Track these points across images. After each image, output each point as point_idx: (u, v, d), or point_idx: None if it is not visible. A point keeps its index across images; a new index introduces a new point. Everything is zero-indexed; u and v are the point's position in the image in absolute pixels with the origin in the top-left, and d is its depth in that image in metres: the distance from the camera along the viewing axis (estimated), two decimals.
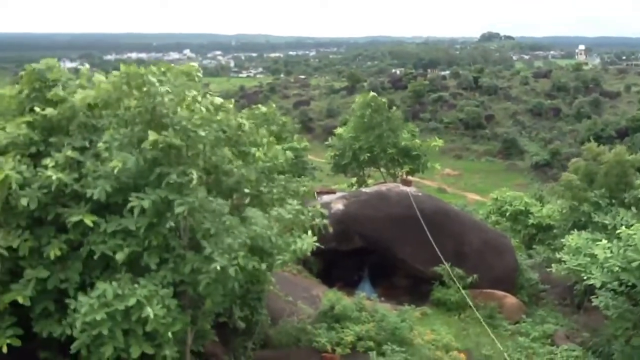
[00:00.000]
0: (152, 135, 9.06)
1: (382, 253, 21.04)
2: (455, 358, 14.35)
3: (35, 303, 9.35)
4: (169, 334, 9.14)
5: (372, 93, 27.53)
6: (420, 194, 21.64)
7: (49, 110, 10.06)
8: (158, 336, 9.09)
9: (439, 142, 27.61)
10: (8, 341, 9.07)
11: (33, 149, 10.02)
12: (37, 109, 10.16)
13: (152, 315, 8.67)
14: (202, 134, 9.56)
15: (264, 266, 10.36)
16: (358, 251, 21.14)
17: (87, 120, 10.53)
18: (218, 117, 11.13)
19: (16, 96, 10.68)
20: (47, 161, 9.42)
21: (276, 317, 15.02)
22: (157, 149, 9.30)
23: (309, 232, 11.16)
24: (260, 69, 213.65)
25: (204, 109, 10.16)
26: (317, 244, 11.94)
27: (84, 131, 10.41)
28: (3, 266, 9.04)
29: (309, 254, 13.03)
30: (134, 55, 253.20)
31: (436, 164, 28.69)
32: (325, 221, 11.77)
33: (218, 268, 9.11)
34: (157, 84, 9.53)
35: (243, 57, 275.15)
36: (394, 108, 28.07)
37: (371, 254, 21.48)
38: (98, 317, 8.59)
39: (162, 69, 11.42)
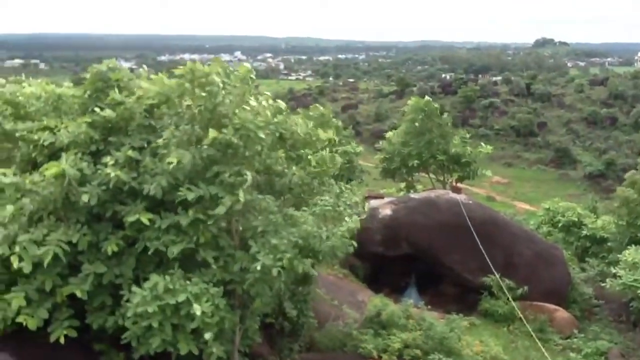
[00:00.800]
0: (212, 133, 9.18)
1: (430, 260, 20.77)
2: None
3: (91, 297, 9.60)
4: (215, 332, 9.16)
5: (426, 97, 27.20)
6: (470, 201, 21.27)
7: (108, 112, 10.33)
8: (204, 334, 9.15)
9: (487, 149, 27.04)
10: (65, 332, 9.32)
11: (93, 148, 10.30)
12: (97, 110, 10.45)
13: (199, 313, 8.75)
14: (262, 135, 9.62)
15: (309, 263, 10.37)
16: (405, 257, 20.92)
17: (144, 122, 10.78)
18: (276, 120, 11.23)
19: (80, 96, 11.00)
20: (107, 159, 9.66)
21: (322, 320, 15.00)
22: (214, 148, 9.41)
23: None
24: (309, 72, 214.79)
25: (268, 112, 10.26)
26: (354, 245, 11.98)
27: (142, 131, 10.65)
28: (62, 260, 9.26)
29: (351, 248, 12.99)
30: (186, 56, 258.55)
31: (487, 171, 28.12)
32: (361, 217, 11.56)
33: (258, 268, 9.16)
34: (220, 84, 9.65)
35: (292, 60, 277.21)
36: (446, 114, 27.64)
37: (418, 261, 21.23)
38: (149, 309, 8.77)
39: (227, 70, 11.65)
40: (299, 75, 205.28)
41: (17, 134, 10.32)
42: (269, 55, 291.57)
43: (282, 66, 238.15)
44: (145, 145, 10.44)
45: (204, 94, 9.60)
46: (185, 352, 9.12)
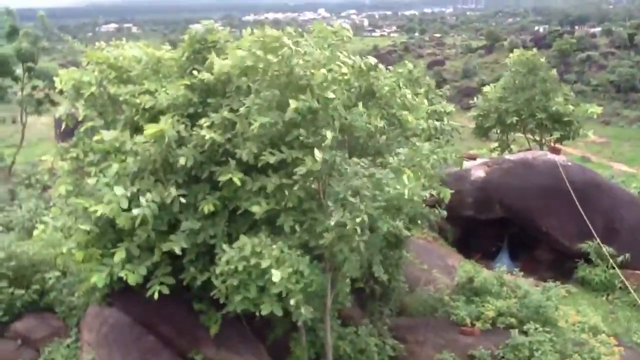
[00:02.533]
0: (293, 104, 9.05)
1: (524, 225, 19.97)
2: (603, 342, 13.32)
3: (187, 254, 9.88)
4: (299, 298, 9.13)
5: (534, 50, 25.59)
6: (570, 163, 20.13)
7: (206, 75, 10.40)
8: (290, 298, 9.13)
9: (597, 109, 25.27)
10: (159, 288, 9.63)
11: (191, 110, 10.45)
12: (195, 73, 10.55)
13: (277, 279, 8.75)
14: (332, 95, 9.41)
15: (400, 224, 10.09)
16: (498, 221, 20.25)
17: (241, 83, 10.79)
18: (364, 77, 10.94)
19: (179, 59, 11.14)
20: (202, 121, 9.78)
21: (412, 284, 14.87)
22: (296, 113, 9.30)
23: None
24: (394, 28, 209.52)
25: (344, 69, 9.99)
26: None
27: (239, 93, 10.66)
28: (162, 219, 9.54)
29: (444, 214, 12.57)
30: (270, 15, 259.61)
31: (589, 131, 26.43)
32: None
33: (332, 223, 9.03)
34: (293, 47, 9.45)
35: (377, 16, 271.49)
36: (553, 70, 25.97)
37: (511, 225, 20.49)
38: (234, 267, 8.93)
39: (309, 30, 11.42)
40: (384, 31, 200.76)
41: (120, 98, 10.62)
42: (353, 11, 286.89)
43: (366, 22, 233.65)
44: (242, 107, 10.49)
45: (277, 60, 9.42)
46: (267, 312, 9.19)
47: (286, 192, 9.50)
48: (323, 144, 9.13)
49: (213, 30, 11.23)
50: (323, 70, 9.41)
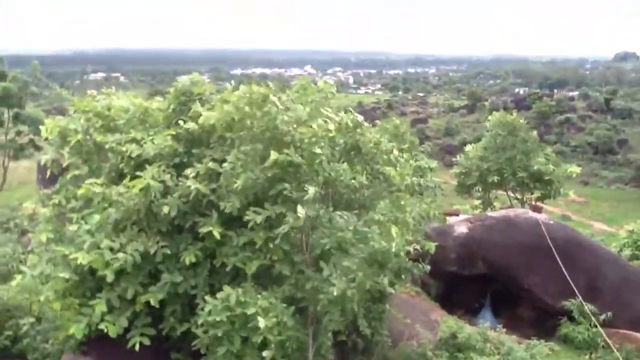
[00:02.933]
0: (273, 155, 9.20)
1: (507, 281, 19.97)
2: None
3: (167, 305, 9.78)
4: (275, 350, 9.07)
5: (514, 114, 26.33)
6: (551, 221, 20.35)
7: (191, 125, 10.60)
8: (269, 347, 9.04)
9: (576, 169, 25.77)
10: (140, 339, 9.55)
11: (177, 160, 10.56)
12: (180, 123, 10.68)
13: (262, 325, 8.73)
14: (318, 151, 9.54)
15: (385, 280, 10.09)
16: (480, 278, 20.22)
17: (225, 134, 10.92)
18: (350, 133, 11.10)
19: (165, 110, 11.29)
20: (189, 171, 9.84)
21: (395, 339, 14.65)
22: (278, 167, 9.41)
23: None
24: (378, 86, 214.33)
25: (332, 125, 10.16)
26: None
27: (223, 144, 10.79)
28: (140, 270, 9.50)
29: (428, 268, 12.59)
30: (258, 70, 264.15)
31: (569, 191, 26.88)
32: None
33: (335, 293, 9.04)
34: (278, 103, 9.66)
35: (362, 74, 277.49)
36: (534, 132, 26.62)
37: (494, 282, 20.47)
38: (218, 319, 8.87)
39: (297, 87, 11.64)
40: (368, 89, 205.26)
41: (106, 146, 10.67)
42: (338, 69, 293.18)
43: (351, 80, 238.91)
44: (226, 157, 10.57)
45: (263, 115, 9.62)
46: None
47: (271, 246, 9.50)
48: (305, 198, 9.19)
49: (198, 83, 11.45)
50: (314, 126, 9.56)
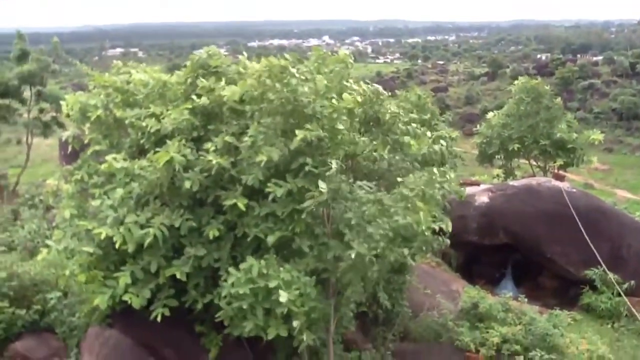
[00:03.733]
0: (299, 134, 9.10)
1: (528, 251, 19.85)
2: None
3: (191, 278, 9.86)
4: (303, 320, 9.11)
5: (539, 78, 25.74)
6: (574, 190, 20.07)
7: (203, 99, 10.57)
8: (293, 320, 9.09)
9: (599, 136, 25.23)
10: (162, 310, 9.62)
11: (195, 134, 10.54)
12: (194, 98, 10.64)
13: (284, 300, 8.73)
14: (340, 126, 9.43)
15: (406, 253, 10.08)
16: (501, 247, 20.12)
17: (236, 107, 10.88)
18: (369, 105, 10.97)
19: (183, 83, 11.24)
20: (209, 145, 9.83)
21: (416, 309, 14.73)
22: (301, 141, 9.33)
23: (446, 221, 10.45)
24: (397, 55, 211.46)
25: (349, 97, 10.04)
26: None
27: (235, 118, 10.74)
28: (166, 243, 9.56)
29: (447, 242, 12.55)
30: (275, 42, 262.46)
31: (593, 158, 26.41)
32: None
33: (352, 256, 8.98)
34: (297, 75, 9.53)
35: (380, 43, 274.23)
36: (558, 99, 26.08)
37: (515, 251, 20.37)
38: (241, 291, 8.88)
39: (314, 58, 11.47)
40: (387, 58, 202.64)
41: (126, 121, 10.70)
42: (356, 39, 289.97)
43: (369, 49, 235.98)
44: (242, 130, 10.54)
45: (282, 87, 9.49)
46: (273, 336, 9.14)
47: (295, 218, 9.47)
48: (328, 173, 9.13)
49: (215, 56, 11.34)
50: (334, 100, 9.42)
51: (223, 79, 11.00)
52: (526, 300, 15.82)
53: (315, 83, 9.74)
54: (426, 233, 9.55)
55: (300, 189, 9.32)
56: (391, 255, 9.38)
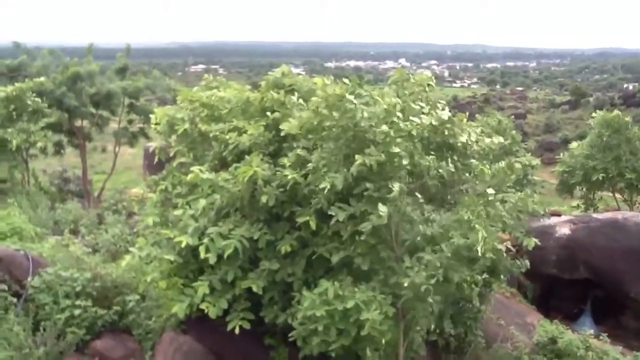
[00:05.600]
0: (358, 159, 9.09)
1: (610, 288, 18.86)
2: None
3: (265, 292, 9.99)
4: (382, 341, 9.06)
5: (615, 111, 24.84)
6: None
7: (276, 114, 10.87)
8: (371, 342, 9.03)
9: None
10: (240, 323, 9.80)
11: (271, 149, 10.78)
12: (268, 114, 10.94)
13: (369, 318, 8.68)
14: (396, 150, 9.32)
15: (477, 277, 9.78)
16: (581, 282, 19.25)
17: (307, 141, 11.01)
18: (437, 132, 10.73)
19: (261, 100, 11.56)
20: (285, 161, 10.01)
21: (489, 340, 14.23)
22: (362, 166, 9.29)
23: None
24: (475, 79, 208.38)
25: (413, 121, 9.91)
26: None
27: (308, 134, 10.85)
28: (244, 255, 9.76)
29: (523, 270, 12.10)
30: (352, 63, 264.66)
31: None
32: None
33: (405, 284, 8.86)
34: (356, 102, 9.48)
35: (458, 67, 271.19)
36: (636, 128, 24.98)
37: (596, 287, 19.42)
38: (318, 313, 8.90)
39: (395, 79, 11.42)
40: (464, 82, 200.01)
41: (210, 135, 11.08)
42: (433, 62, 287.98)
43: (446, 73, 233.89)
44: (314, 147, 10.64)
45: (341, 116, 9.49)
46: (336, 347, 9.11)
47: (357, 239, 9.46)
48: (389, 196, 9.07)
49: (289, 75, 11.61)
50: (384, 127, 9.36)
51: (296, 94, 11.22)
52: (609, 340, 15.01)
53: (374, 108, 9.66)
54: (490, 253, 9.22)
55: (362, 213, 9.28)
56: (455, 277, 9.14)
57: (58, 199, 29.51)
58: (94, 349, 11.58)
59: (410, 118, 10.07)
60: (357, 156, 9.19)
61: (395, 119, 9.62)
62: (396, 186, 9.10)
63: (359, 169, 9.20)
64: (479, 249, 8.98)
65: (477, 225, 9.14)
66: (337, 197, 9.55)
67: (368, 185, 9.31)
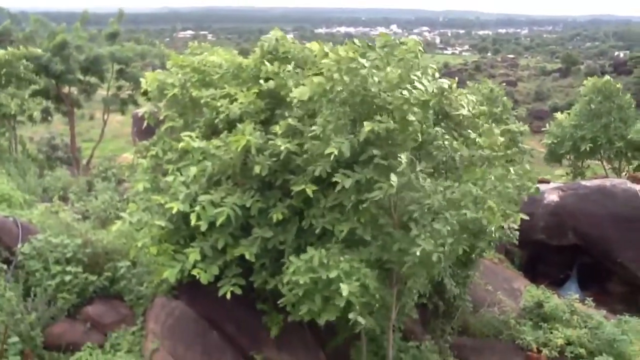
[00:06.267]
0: (367, 126, 8.93)
1: (598, 254, 19.16)
2: None
3: (257, 259, 10.00)
4: (359, 311, 9.06)
5: (606, 77, 24.81)
6: None
7: (270, 83, 10.69)
8: (350, 311, 9.03)
9: None
10: (231, 289, 9.84)
11: (262, 117, 10.69)
12: (261, 82, 10.77)
13: (345, 293, 8.71)
14: (412, 118, 9.23)
15: (475, 249, 9.89)
16: (568, 248, 19.54)
17: (313, 104, 10.90)
18: (436, 99, 10.68)
19: (253, 68, 11.38)
20: (276, 128, 9.93)
21: (476, 305, 14.50)
22: (370, 133, 9.17)
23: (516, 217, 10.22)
24: (466, 47, 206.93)
25: (421, 89, 9.79)
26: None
27: (304, 107, 10.76)
28: (236, 222, 9.75)
29: (506, 240, 12.27)
30: (342, 29, 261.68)
31: None
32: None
33: (418, 253, 8.86)
34: (367, 65, 9.32)
35: (450, 34, 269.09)
36: (628, 95, 24.98)
37: (582, 254, 19.72)
38: (301, 280, 8.95)
39: (380, 44, 11.28)
40: (456, 49, 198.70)
41: (201, 100, 10.94)
42: (425, 29, 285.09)
43: (438, 40, 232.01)
44: (307, 114, 10.56)
45: (352, 80, 9.28)
46: (324, 322, 9.25)
47: (360, 208, 9.40)
48: (399, 170, 9.01)
49: (283, 41, 11.40)
50: (404, 92, 9.20)
51: (292, 64, 11.06)
52: (594, 304, 15.30)
53: (386, 73, 9.51)
54: (495, 232, 9.35)
55: (368, 180, 9.21)
56: (459, 249, 9.26)
57: (46, 167, 29.25)
58: (86, 315, 11.61)
59: (417, 85, 9.94)
60: (366, 123, 9.01)
61: (409, 86, 9.37)
62: (404, 157, 9.03)
63: (367, 136, 9.09)
64: (492, 228, 9.14)
65: (491, 203, 9.24)
66: (338, 164, 9.41)
67: (375, 152, 9.17)
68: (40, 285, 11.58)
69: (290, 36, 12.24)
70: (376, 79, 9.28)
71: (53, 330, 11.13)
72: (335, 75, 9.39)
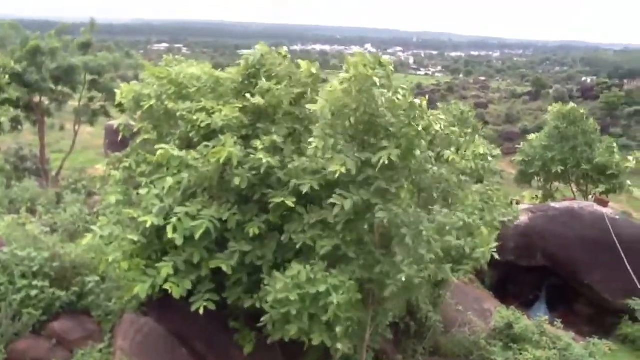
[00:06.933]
0: (377, 155, 8.84)
1: (566, 276, 19.46)
2: None
3: (233, 273, 9.84)
4: (345, 326, 9.07)
5: (570, 104, 25.51)
6: (617, 217, 19.61)
7: (258, 99, 10.60)
8: (336, 326, 9.00)
9: (630, 163, 24.54)
10: (205, 304, 9.67)
11: (244, 132, 10.60)
12: (248, 96, 10.70)
13: (335, 302, 8.68)
14: (418, 152, 9.23)
15: (448, 269, 9.93)
16: (538, 269, 19.80)
17: (291, 110, 10.93)
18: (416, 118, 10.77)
19: (235, 81, 11.34)
20: (258, 143, 9.87)
21: (447, 325, 14.53)
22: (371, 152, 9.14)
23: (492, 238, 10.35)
24: (439, 68, 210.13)
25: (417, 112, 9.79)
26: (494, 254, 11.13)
27: (288, 120, 10.78)
28: (212, 236, 9.61)
29: (485, 264, 12.38)
30: (317, 47, 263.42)
31: (634, 188, 25.77)
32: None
33: (403, 279, 8.87)
34: (378, 86, 9.20)
35: (423, 55, 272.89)
36: (591, 120, 25.68)
37: (551, 275, 20.00)
38: (291, 297, 8.82)
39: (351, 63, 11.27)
40: (429, 70, 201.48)
41: (177, 113, 10.84)
42: (399, 49, 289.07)
43: (411, 60, 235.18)
44: (291, 132, 10.57)
45: (363, 98, 9.17)
46: (318, 342, 9.08)
47: (350, 227, 9.35)
48: (402, 196, 9.00)
49: (267, 55, 11.35)
50: (413, 123, 9.15)
51: (275, 80, 11.02)
52: (562, 325, 15.49)
53: (397, 97, 9.32)
54: (481, 259, 9.48)
55: (365, 202, 9.10)
56: (440, 275, 9.31)
57: (14, 178, 28.62)
58: (51, 331, 11.29)
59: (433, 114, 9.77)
60: (379, 153, 8.83)
61: (417, 114, 9.28)
62: (405, 183, 9.05)
63: (367, 157, 8.94)
64: (479, 252, 9.40)
65: (484, 230, 9.37)
66: (327, 182, 9.30)
67: (377, 174, 9.02)
68: (5, 299, 11.25)
69: (285, 49, 12.16)
70: (384, 100, 9.13)
71: (17, 346, 10.81)
72: (354, 93, 9.16)
